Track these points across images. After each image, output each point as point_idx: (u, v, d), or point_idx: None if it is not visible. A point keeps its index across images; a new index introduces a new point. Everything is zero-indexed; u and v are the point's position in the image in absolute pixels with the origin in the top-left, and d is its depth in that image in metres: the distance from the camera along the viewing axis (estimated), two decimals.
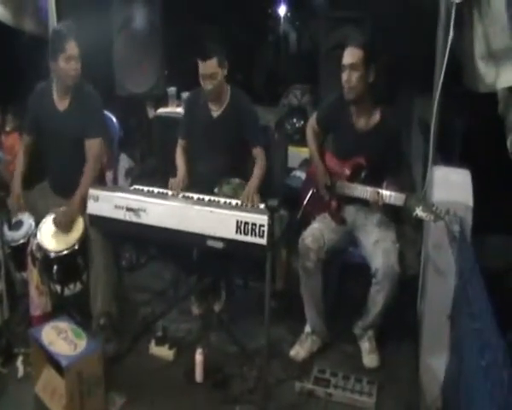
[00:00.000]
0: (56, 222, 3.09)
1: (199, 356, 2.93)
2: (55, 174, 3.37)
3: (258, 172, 3.27)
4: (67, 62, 3.12)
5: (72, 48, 3.11)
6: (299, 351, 3.15)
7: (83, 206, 3.07)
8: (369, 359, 3.09)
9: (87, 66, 3.26)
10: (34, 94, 3.36)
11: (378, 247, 2.97)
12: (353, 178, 3.08)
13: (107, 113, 3.51)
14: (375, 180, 2.98)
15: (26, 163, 3.41)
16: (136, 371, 3.04)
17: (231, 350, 3.17)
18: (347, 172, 3.10)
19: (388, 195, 2.89)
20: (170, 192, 3.14)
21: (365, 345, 3.13)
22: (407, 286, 3.08)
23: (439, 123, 3.11)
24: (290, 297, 3.39)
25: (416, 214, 2.72)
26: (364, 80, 2.97)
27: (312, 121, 3.37)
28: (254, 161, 3.34)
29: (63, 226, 3.08)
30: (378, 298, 2.94)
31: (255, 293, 3.60)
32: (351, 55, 2.97)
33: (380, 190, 2.92)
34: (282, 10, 5.34)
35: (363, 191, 2.99)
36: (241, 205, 2.98)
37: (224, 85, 3.32)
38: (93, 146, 3.22)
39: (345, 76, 2.99)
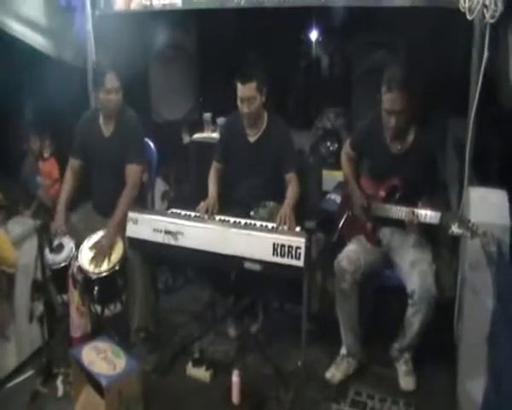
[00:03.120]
0: (95, 252, 3.15)
1: (235, 378, 2.94)
2: (99, 196, 3.48)
3: (291, 195, 3.25)
4: (107, 94, 3.27)
5: (110, 81, 3.25)
6: (334, 373, 3.14)
7: (121, 228, 3.14)
8: (406, 381, 3.06)
9: (124, 92, 3.38)
10: (82, 120, 3.51)
11: (414, 269, 2.94)
12: (388, 199, 3.08)
13: (146, 140, 3.59)
14: (409, 201, 2.97)
15: (74, 187, 3.50)
16: (173, 391, 3.07)
17: (267, 372, 3.18)
18: (382, 193, 3.10)
19: (423, 213, 2.88)
20: (205, 216, 3.17)
21: (402, 367, 3.11)
22: (444, 308, 3.04)
23: (475, 143, 3.08)
24: (325, 320, 3.38)
25: (452, 231, 2.69)
26: (408, 113, 2.91)
27: (346, 147, 3.38)
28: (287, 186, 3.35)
29: (101, 255, 3.14)
30: (414, 320, 2.92)
31: (290, 316, 3.62)
32: (398, 103, 2.87)
33: (415, 210, 2.90)
34: (313, 35, 5.41)
35: (399, 212, 2.98)
36: (277, 226, 2.99)
37: (262, 111, 3.36)
38: (132, 172, 3.31)
39: (392, 121, 2.92)
